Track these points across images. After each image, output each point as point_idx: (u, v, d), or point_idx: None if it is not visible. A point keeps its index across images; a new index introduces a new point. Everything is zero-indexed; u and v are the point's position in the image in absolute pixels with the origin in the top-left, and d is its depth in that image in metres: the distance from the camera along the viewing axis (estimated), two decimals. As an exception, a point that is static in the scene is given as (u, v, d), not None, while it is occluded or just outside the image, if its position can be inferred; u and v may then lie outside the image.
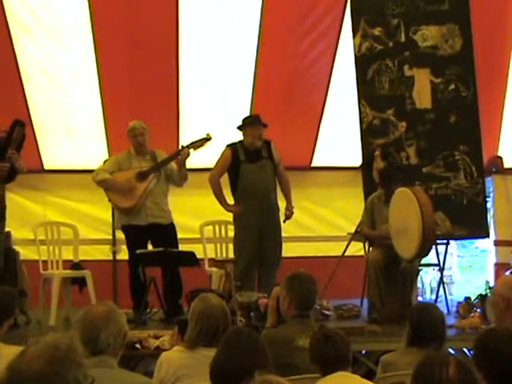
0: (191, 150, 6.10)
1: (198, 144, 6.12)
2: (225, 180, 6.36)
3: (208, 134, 6.14)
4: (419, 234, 5.49)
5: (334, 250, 7.23)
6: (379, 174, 6.29)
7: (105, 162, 6.87)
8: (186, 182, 6.28)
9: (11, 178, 5.78)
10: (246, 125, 6.25)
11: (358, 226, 6.56)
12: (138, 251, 5.92)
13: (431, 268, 7.15)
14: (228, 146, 6.31)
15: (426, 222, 5.49)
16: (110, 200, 6.28)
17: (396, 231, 5.79)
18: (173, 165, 6.26)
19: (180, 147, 6.20)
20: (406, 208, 5.66)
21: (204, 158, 6.75)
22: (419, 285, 6.81)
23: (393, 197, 5.84)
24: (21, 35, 6.68)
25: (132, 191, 6.09)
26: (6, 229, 6.95)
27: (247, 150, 6.23)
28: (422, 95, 6.64)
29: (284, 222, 6.33)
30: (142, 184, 6.09)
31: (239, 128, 6.30)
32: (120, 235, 7.14)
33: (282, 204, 6.39)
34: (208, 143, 6.15)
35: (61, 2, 6.58)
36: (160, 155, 6.22)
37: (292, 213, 6.36)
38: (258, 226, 6.16)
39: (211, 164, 6.61)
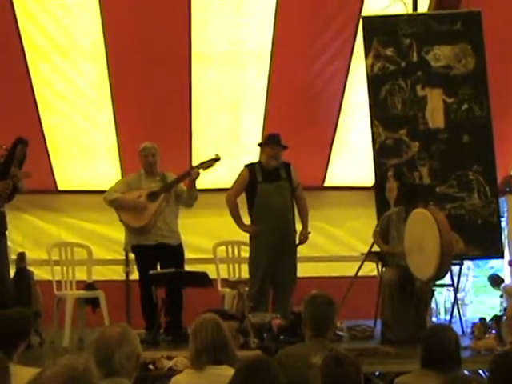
0: (200, 171, 6.12)
1: (207, 164, 6.14)
2: (243, 200, 6.36)
3: (217, 155, 6.16)
4: (437, 257, 5.44)
5: (347, 270, 7.19)
6: (405, 191, 6.25)
7: (117, 183, 6.93)
8: (195, 203, 6.28)
9: (10, 197, 5.67)
10: (264, 143, 6.28)
11: (371, 246, 6.54)
12: (151, 272, 5.92)
13: (445, 288, 7.11)
14: (246, 166, 6.33)
15: (444, 246, 5.44)
16: (121, 220, 6.29)
17: (412, 251, 5.76)
18: (183, 186, 6.28)
19: (190, 168, 6.22)
20: (424, 229, 5.62)
21: (217, 179, 6.77)
22: (433, 305, 6.77)
23: (409, 217, 5.81)
24: (36, 59, 6.75)
25: (143, 211, 6.10)
26: (20, 249, 7.03)
27: (265, 170, 6.23)
28: (435, 115, 6.64)
29: (297, 245, 6.30)
30: (153, 204, 6.11)
31: (260, 145, 6.32)
32: (133, 255, 7.17)
33: (300, 227, 6.37)
34: (217, 163, 6.17)
35: (75, 26, 6.65)
36: (170, 177, 6.25)
37: (307, 238, 6.32)
38: (272, 246, 6.14)
39: (224, 184, 6.63)
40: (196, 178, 6.12)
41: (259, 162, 6.31)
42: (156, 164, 6.22)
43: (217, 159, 6.14)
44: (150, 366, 4.89)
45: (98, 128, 7.36)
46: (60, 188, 7.71)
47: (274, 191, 6.20)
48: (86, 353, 2.75)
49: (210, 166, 6.14)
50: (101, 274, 7.31)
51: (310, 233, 6.37)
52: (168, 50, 6.76)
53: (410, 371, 3.84)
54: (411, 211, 5.85)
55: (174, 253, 6.15)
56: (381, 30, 6.68)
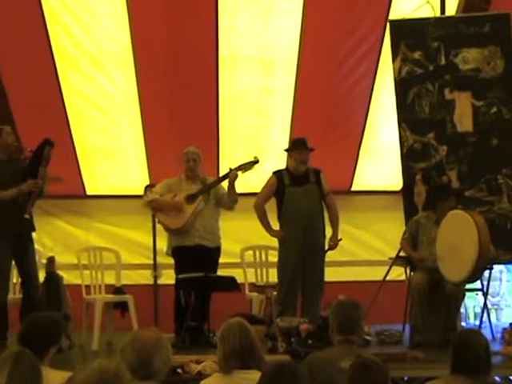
0: (239, 173, 6.14)
1: (246, 167, 6.16)
2: (272, 206, 6.37)
3: (255, 157, 6.18)
4: (474, 259, 5.41)
5: (375, 274, 7.16)
6: (436, 188, 6.21)
7: (146, 187, 6.98)
8: (236, 205, 6.30)
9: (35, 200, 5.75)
10: (291, 148, 6.29)
11: (399, 251, 6.50)
12: (180, 276, 5.94)
13: (475, 293, 7.05)
14: (274, 172, 6.35)
15: (482, 247, 5.41)
16: (159, 221, 6.35)
17: (444, 254, 5.71)
18: (224, 190, 6.31)
19: (228, 170, 6.25)
20: (461, 230, 5.58)
21: (245, 183, 6.77)
22: (462, 310, 6.71)
23: (445, 218, 5.77)
24: (66, 65, 6.82)
25: (181, 212, 6.14)
26: (50, 254, 7.10)
27: (293, 175, 6.24)
28: (464, 118, 6.59)
29: (326, 251, 6.29)
30: (191, 205, 6.15)
31: (287, 150, 6.33)
32: (161, 260, 7.23)
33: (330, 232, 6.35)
34: (256, 166, 6.18)
35: (103, 33, 6.71)
36: (210, 181, 6.29)
37: (336, 244, 6.29)
38: (300, 249, 6.13)
39: (252, 189, 6.64)
40: (234, 180, 6.15)
41: (287, 168, 6.32)
42: (196, 169, 6.25)
43: (255, 162, 6.15)
44: (179, 370, 4.90)
45: (126, 133, 7.42)
46: (88, 193, 7.77)
47: (302, 194, 6.19)
48: (116, 356, 2.75)
49: (249, 168, 6.16)
50: (129, 278, 7.35)
51: (340, 239, 6.35)
52: (195, 56, 6.79)
53: (439, 376, 3.81)
54: (441, 214, 5.83)
55: (210, 255, 6.19)
56: (408, 33, 6.64)
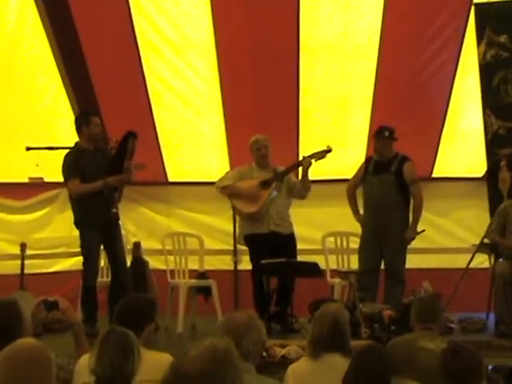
0: (312, 161, 6.16)
1: (319, 155, 6.18)
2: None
3: (328, 146, 6.19)
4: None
5: (457, 261, 7.10)
6: None
7: (227, 172, 7.03)
8: (309, 193, 6.33)
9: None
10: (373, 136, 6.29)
11: (483, 238, 6.40)
12: (263, 261, 6.00)
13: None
14: (366, 158, 6.41)
15: None
16: (233, 207, 6.42)
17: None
18: (295, 178, 6.35)
19: (301, 158, 6.26)
20: None
21: (325, 170, 6.80)
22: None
23: None
24: (149, 55, 6.95)
25: (255, 198, 6.20)
26: (134, 239, 7.29)
27: (377, 163, 6.25)
28: (551, 103, 6.44)
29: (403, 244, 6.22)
30: (265, 191, 6.20)
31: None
32: (241, 246, 7.31)
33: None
34: (328, 155, 6.19)
35: (186, 22, 6.80)
36: (281, 169, 6.33)
37: (411, 239, 6.21)
38: (375, 238, 6.16)
39: (331, 175, 6.64)
40: (308, 168, 6.17)
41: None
42: (268, 156, 6.29)
43: (328, 151, 6.17)
44: (263, 354, 4.96)
45: (208, 121, 7.50)
46: (170, 179, 7.91)
47: (376, 184, 6.20)
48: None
49: (322, 157, 6.18)
50: (209, 263, 7.45)
51: (423, 231, 6.28)
52: (276, 45, 6.80)
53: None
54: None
55: (286, 242, 6.23)
56: (494, 16, 6.51)
